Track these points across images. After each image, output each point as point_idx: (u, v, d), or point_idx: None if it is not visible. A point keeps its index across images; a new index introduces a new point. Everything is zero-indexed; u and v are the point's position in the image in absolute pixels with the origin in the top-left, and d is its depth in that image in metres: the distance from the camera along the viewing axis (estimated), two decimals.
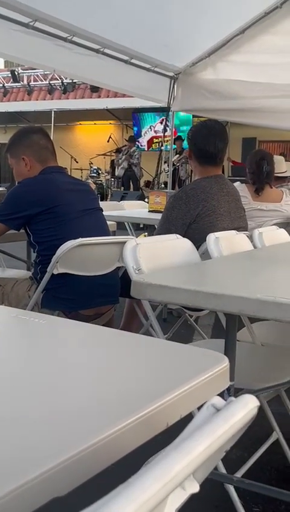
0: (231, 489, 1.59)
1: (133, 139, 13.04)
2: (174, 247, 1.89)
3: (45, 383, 0.69)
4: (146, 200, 5.02)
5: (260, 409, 0.56)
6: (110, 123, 15.53)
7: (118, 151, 12.86)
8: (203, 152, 2.59)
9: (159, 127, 13.65)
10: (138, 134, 14.69)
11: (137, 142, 13.62)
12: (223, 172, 2.99)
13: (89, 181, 11.73)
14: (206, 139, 2.58)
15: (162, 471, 0.40)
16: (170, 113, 6.10)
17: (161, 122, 13.79)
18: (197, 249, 1.97)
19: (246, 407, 0.52)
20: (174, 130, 6.85)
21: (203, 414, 0.52)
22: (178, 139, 11.49)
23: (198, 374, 0.71)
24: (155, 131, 14.42)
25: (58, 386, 0.68)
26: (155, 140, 14.40)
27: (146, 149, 14.34)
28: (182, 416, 0.66)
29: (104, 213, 2.48)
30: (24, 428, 0.56)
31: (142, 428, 0.59)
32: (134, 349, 0.87)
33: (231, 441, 0.52)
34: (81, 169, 13.23)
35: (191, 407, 0.69)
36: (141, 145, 14.33)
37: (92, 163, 13.26)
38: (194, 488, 0.50)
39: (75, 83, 11.70)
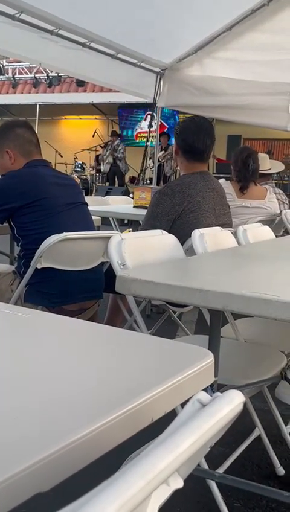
0: (213, 484, 1.60)
1: (116, 134, 12.99)
2: (159, 242, 1.88)
3: (28, 377, 0.68)
4: (131, 195, 5.01)
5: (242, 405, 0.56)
6: (96, 118, 15.46)
7: (105, 145, 12.81)
8: (191, 148, 2.59)
9: (145, 123, 13.63)
10: (123, 130, 14.64)
11: (122, 137, 13.59)
12: (208, 169, 2.99)
13: (74, 176, 11.68)
14: (195, 135, 2.57)
15: (147, 468, 0.40)
16: (155, 108, 6.09)
17: (146, 119, 13.78)
18: (182, 245, 1.97)
19: (232, 402, 0.52)
20: (160, 124, 6.84)
21: (189, 409, 0.51)
22: (163, 135, 11.49)
23: (183, 369, 0.70)
24: (141, 127, 14.39)
25: (43, 380, 0.67)
26: (139, 135, 14.38)
27: (134, 139, 14.33)
28: (166, 412, 0.65)
29: (88, 208, 2.46)
30: (7, 423, 0.55)
31: (126, 423, 0.58)
32: (118, 344, 0.86)
33: (216, 437, 0.52)
34: (66, 164, 13.17)
35: (176, 402, 0.68)
36: (128, 141, 14.29)
37: (76, 158, 13.20)
38: (178, 483, 0.50)
39: (60, 76, 11.62)
